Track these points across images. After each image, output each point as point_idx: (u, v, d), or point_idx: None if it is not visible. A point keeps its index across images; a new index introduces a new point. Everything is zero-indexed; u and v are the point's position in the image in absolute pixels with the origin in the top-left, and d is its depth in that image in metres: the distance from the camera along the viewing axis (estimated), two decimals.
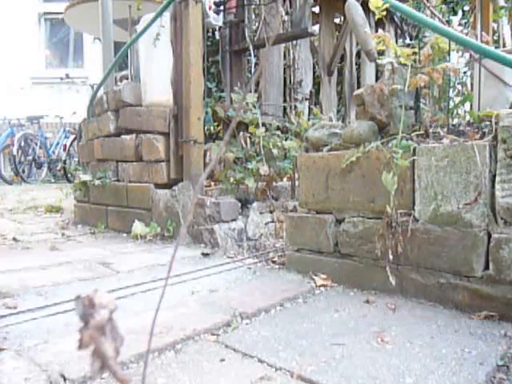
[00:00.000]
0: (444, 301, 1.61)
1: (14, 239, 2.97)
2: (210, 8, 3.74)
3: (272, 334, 1.38)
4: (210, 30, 4.97)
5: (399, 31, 5.39)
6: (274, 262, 2.26)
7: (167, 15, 2.96)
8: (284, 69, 4.84)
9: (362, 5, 2.20)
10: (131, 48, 3.53)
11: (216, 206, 2.63)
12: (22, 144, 7.72)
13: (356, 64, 5.18)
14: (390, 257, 1.67)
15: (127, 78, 4.18)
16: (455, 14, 4.20)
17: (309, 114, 4.66)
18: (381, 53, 2.35)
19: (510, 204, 1.47)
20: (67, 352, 1.22)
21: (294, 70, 4.87)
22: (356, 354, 1.24)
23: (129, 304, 1.64)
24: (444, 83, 2.13)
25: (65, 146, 8.06)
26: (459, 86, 3.38)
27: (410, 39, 5.23)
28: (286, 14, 4.63)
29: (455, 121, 2.24)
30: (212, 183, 3.06)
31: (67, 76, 8.22)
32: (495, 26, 2.83)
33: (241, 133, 3.23)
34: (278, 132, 3.50)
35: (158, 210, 2.91)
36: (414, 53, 1.84)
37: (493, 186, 1.53)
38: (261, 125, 3.20)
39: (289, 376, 1.13)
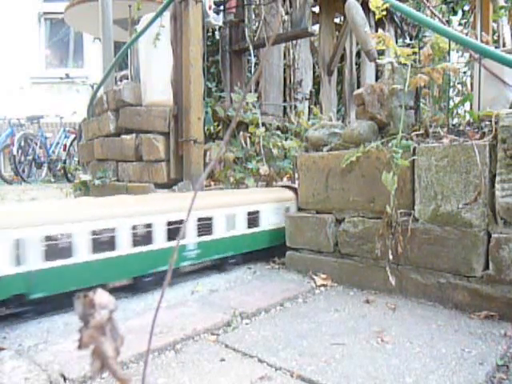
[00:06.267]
0: (444, 301, 1.62)
1: None
2: (210, 8, 3.73)
3: (272, 334, 1.38)
4: (210, 30, 4.97)
5: (399, 31, 5.39)
6: (274, 261, 2.26)
7: (167, 15, 2.96)
8: (284, 69, 4.85)
9: (362, 5, 2.20)
10: (131, 48, 3.53)
11: None
12: (22, 144, 7.70)
13: (356, 64, 5.18)
14: (390, 257, 1.67)
15: (127, 78, 4.18)
16: (455, 13, 4.20)
17: (309, 114, 4.66)
18: (381, 52, 2.35)
19: (509, 204, 1.47)
20: (67, 352, 1.22)
21: (294, 70, 4.88)
22: (356, 354, 1.24)
23: (129, 304, 1.65)
24: (444, 83, 2.12)
25: (65, 145, 8.05)
26: (459, 86, 3.38)
27: (410, 39, 5.23)
28: (286, 13, 4.63)
29: (455, 121, 2.24)
30: (212, 183, 3.06)
31: (67, 76, 8.22)
32: (495, 25, 2.82)
33: (241, 133, 3.24)
34: (278, 132, 3.50)
35: None
36: (414, 52, 1.84)
37: (493, 186, 1.53)
38: (261, 124, 3.20)
39: (289, 376, 1.13)
